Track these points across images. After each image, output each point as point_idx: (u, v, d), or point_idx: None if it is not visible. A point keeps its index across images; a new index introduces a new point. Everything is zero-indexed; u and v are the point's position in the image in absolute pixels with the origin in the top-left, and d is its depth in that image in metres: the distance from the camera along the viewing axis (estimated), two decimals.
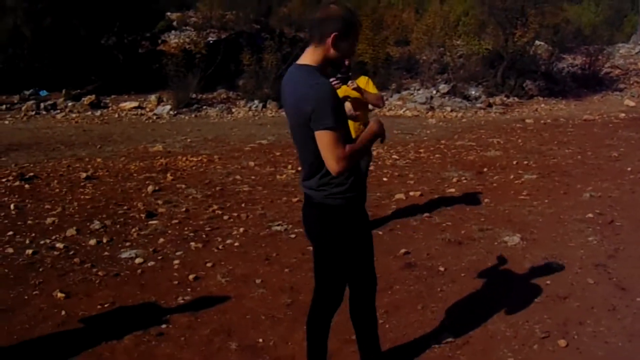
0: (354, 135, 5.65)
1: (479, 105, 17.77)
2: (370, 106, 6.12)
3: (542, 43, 21.18)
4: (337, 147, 2.68)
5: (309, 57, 2.85)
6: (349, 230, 2.91)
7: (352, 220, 2.91)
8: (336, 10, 2.79)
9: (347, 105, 5.41)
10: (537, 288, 4.61)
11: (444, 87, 18.82)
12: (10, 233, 6.09)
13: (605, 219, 6.33)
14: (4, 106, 16.78)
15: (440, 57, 20.56)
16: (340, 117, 2.76)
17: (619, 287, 4.59)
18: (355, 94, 5.69)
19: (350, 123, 5.48)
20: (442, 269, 5.04)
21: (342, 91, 5.60)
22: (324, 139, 2.68)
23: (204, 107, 17.53)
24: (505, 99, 18.83)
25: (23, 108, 16.44)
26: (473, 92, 18.84)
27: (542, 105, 18.51)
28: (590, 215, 6.47)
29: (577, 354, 3.62)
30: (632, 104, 17.81)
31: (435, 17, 20.95)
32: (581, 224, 6.22)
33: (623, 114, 15.37)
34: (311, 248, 3.21)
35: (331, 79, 5.41)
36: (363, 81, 5.85)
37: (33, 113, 16.23)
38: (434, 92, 18.69)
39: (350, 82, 5.56)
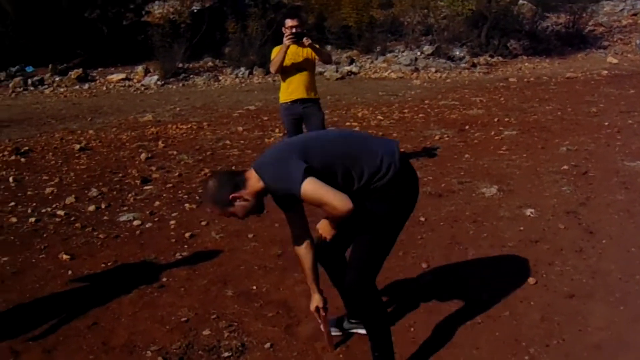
0: (302, 88, 6.20)
1: (463, 65, 17.96)
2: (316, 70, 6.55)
3: (525, 2, 21.31)
4: None
5: None
6: None
7: None
8: None
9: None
10: (511, 234, 4.92)
11: (428, 49, 18.98)
12: (12, 204, 6.35)
13: (580, 170, 6.63)
14: None
15: (424, 18, 20.67)
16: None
17: (587, 231, 4.91)
18: (308, 50, 6.16)
19: (298, 76, 6.13)
20: (422, 219, 5.34)
21: (294, 47, 6.08)
22: None
23: (191, 76, 17.66)
24: (489, 58, 19.02)
25: (10, 85, 16.54)
26: (457, 53, 19.02)
27: (526, 64, 18.71)
28: (566, 167, 6.76)
29: (544, 290, 3.94)
30: (614, 61, 18.02)
31: None
32: (556, 175, 6.51)
33: (605, 71, 15.60)
34: None
35: (286, 34, 5.93)
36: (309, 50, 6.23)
37: (21, 89, 16.33)
38: (419, 53, 18.86)
39: (305, 38, 5.97)
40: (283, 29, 6.09)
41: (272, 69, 6.27)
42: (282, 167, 2.78)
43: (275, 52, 6.24)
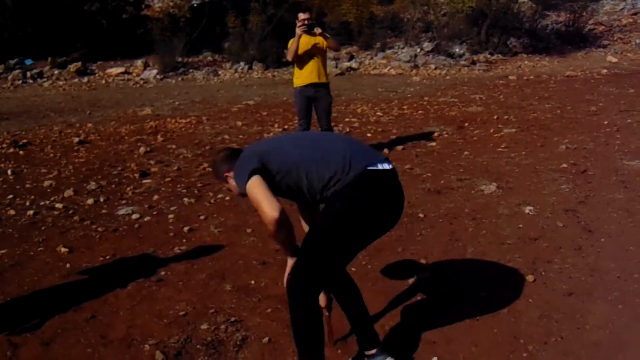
0: (315, 73, 6.92)
1: (462, 62, 17.98)
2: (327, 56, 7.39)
3: (525, 0, 21.29)
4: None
5: None
6: None
7: None
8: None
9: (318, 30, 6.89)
10: (510, 231, 4.92)
11: (428, 46, 19.00)
12: (10, 196, 6.33)
13: (579, 168, 6.63)
14: None
15: (424, 15, 20.67)
16: None
17: (586, 230, 4.90)
18: (319, 39, 6.88)
19: (311, 62, 6.84)
20: (421, 215, 5.34)
21: (307, 37, 6.83)
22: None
23: (191, 70, 17.65)
24: (489, 56, 19.03)
25: (9, 77, 16.53)
26: (457, 50, 19.03)
27: (526, 62, 18.73)
28: (565, 165, 6.77)
29: (543, 288, 3.93)
30: (614, 60, 18.04)
31: None
32: (555, 173, 6.52)
33: (605, 70, 15.64)
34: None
35: (298, 24, 6.68)
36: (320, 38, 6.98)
37: (20, 82, 16.33)
38: (418, 50, 18.87)
39: (315, 28, 6.77)
40: (296, 21, 6.84)
41: (289, 57, 7.03)
42: (241, 165, 2.83)
43: (291, 43, 6.96)
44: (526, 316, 3.57)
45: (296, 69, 7.10)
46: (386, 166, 2.82)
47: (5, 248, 4.92)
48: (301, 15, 6.82)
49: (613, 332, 3.37)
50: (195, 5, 21.31)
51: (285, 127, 9.48)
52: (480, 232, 4.93)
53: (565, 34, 21.05)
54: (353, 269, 4.27)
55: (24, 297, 4.08)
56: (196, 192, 6.32)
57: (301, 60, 6.96)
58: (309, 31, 6.77)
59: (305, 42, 6.86)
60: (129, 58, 18.41)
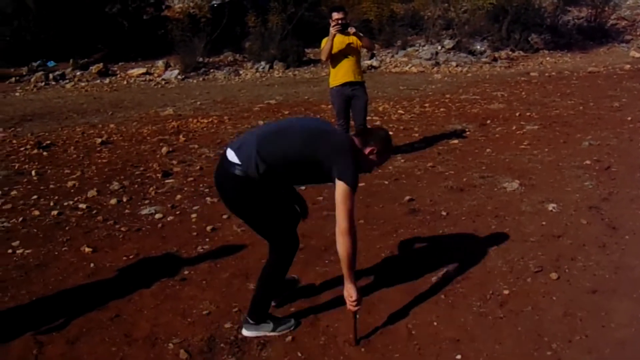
0: (350, 73, 6.90)
1: (484, 59, 17.86)
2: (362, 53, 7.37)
3: None
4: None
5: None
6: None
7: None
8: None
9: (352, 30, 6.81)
10: (533, 228, 4.88)
11: (449, 43, 18.89)
12: (35, 197, 6.39)
13: (602, 165, 6.56)
14: (13, 78, 17.06)
15: (444, 12, 20.58)
16: None
17: (610, 227, 4.86)
18: (353, 38, 6.82)
19: (345, 62, 6.83)
20: (444, 213, 5.32)
21: (341, 36, 6.78)
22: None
23: (212, 70, 17.71)
24: (510, 53, 18.91)
25: (32, 79, 16.68)
26: (478, 47, 18.92)
27: (548, 58, 18.58)
28: (588, 162, 6.70)
29: (567, 285, 3.90)
30: (637, 55, 17.82)
31: None
32: (578, 170, 6.46)
33: (628, 66, 15.44)
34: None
35: (332, 24, 6.65)
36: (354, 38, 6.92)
37: (42, 84, 16.47)
38: (439, 47, 18.77)
39: (349, 28, 6.78)
40: (330, 20, 6.82)
41: (323, 56, 7.04)
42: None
43: (324, 42, 6.96)
44: (550, 314, 3.55)
45: (331, 69, 7.10)
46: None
47: (30, 248, 4.98)
48: (335, 15, 6.75)
49: (638, 330, 3.34)
50: (215, 5, 21.38)
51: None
52: (503, 230, 4.90)
53: (587, 29, 20.84)
54: (375, 267, 4.27)
55: (49, 296, 4.12)
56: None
57: (335, 59, 6.95)
58: (343, 31, 6.71)
59: (339, 41, 6.83)
60: (150, 59, 18.54)
